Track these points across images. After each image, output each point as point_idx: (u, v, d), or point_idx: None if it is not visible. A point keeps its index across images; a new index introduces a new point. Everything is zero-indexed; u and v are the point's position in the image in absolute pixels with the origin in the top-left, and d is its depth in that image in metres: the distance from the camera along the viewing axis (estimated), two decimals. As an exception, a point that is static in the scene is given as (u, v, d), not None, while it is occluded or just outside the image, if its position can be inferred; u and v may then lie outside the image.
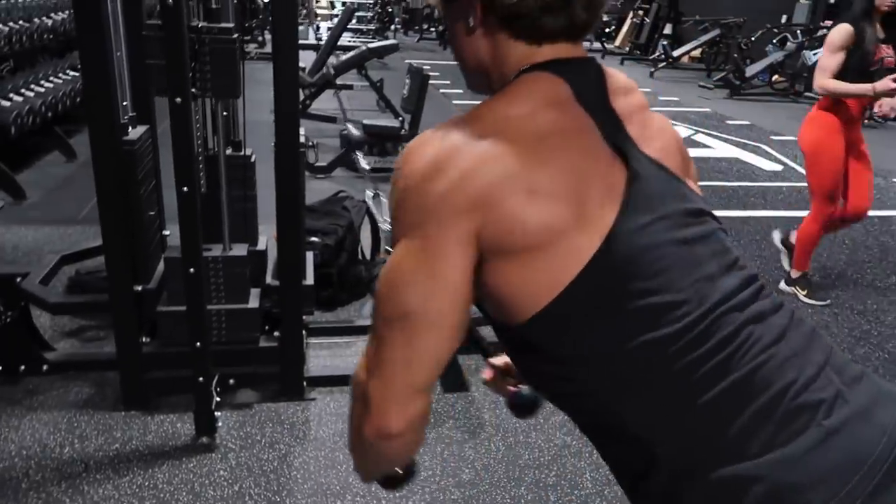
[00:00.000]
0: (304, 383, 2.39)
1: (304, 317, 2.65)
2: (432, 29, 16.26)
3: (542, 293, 0.75)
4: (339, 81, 6.40)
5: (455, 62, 0.90)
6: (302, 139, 2.18)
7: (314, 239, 2.85)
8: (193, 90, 1.96)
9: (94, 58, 1.76)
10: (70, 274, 2.77)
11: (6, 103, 4.03)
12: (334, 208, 3.09)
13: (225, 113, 2.44)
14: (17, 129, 4.00)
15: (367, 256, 3.25)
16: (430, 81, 5.19)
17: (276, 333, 2.31)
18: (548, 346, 0.78)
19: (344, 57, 6.13)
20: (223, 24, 2.11)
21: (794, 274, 3.45)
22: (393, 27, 16.26)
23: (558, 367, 0.79)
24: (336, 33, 6.85)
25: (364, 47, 5.96)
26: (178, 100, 1.73)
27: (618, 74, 0.88)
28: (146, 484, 1.96)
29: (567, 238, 0.74)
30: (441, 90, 7.95)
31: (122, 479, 1.98)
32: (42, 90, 4.47)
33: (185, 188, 1.75)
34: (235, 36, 2.06)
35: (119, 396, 2.26)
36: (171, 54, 1.70)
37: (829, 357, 0.80)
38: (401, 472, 0.93)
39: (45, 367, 2.36)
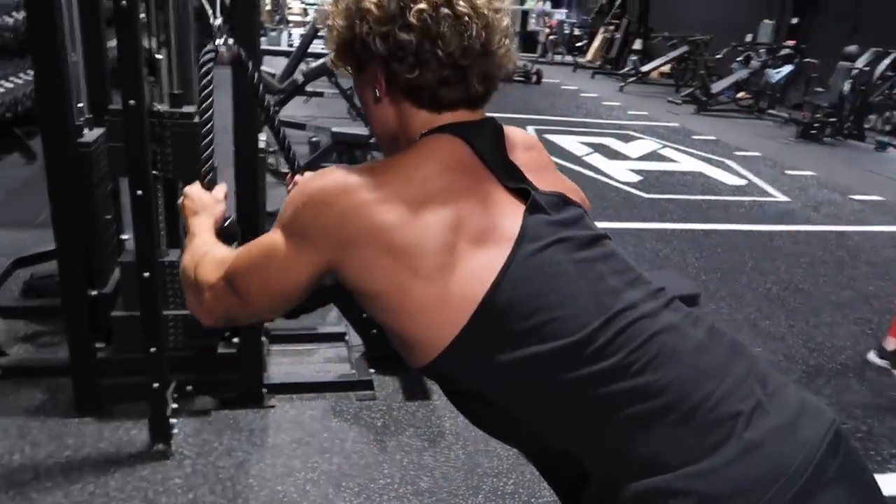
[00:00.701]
0: (264, 390, 2.37)
1: (265, 324, 2.64)
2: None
3: (440, 336, 0.80)
4: (309, 88, 6.39)
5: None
6: (262, 145, 2.17)
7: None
8: (155, 172, 1.98)
9: (47, 58, 1.74)
10: (25, 278, 2.71)
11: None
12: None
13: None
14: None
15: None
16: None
17: (235, 340, 2.29)
18: (458, 378, 0.83)
19: (314, 64, 6.11)
20: (185, 110, 2.08)
21: (891, 344, 3.04)
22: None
23: (474, 395, 0.83)
24: (307, 40, 6.80)
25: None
26: (133, 102, 1.71)
27: (516, 132, 0.97)
28: (98, 492, 1.92)
29: (445, 283, 0.81)
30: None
31: (73, 486, 1.94)
32: (1, 90, 4.39)
33: (139, 192, 1.73)
34: (196, 121, 2.05)
35: (72, 403, 2.22)
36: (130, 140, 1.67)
37: (752, 368, 0.82)
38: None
39: (-4, 373, 2.31)
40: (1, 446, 2.06)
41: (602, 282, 0.84)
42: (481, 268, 0.81)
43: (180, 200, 1.22)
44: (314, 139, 5.15)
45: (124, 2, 1.60)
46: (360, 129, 4.97)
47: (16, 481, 1.94)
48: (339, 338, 2.78)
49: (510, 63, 0.92)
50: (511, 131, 0.97)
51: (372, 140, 4.85)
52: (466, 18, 0.84)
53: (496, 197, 0.87)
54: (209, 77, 1.33)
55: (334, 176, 0.85)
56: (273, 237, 0.87)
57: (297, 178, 1.16)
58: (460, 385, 0.84)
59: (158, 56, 2.20)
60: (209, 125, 1.33)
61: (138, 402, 2.10)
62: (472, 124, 0.92)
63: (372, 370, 2.57)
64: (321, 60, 5.96)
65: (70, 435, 2.13)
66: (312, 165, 4.92)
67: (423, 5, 0.83)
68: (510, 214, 0.86)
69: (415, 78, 0.86)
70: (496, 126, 0.95)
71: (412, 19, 0.83)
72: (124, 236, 2.53)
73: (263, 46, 10.40)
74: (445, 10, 0.84)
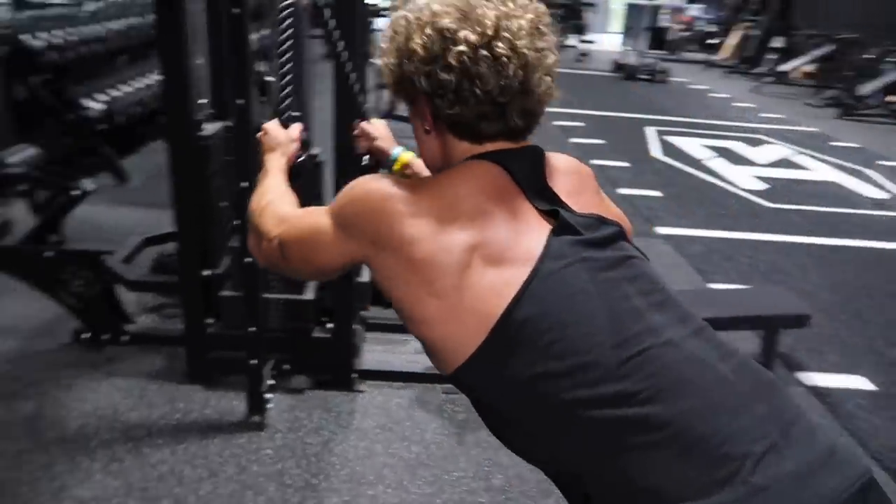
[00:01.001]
0: (356, 375, 2.50)
1: (362, 312, 2.77)
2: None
3: (462, 347, 0.84)
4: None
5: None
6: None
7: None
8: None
9: (173, 59, 1.92)
10: (153, 255, 3.00)
11: (118, 93, 4.38)
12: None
13: (298, 113, 2.57)
14: (126, 118, 4.33)
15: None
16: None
17: (330, 326, 2.43)
18: (478, 389, 0.87)
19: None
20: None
21: None
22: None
23: (492, 408, 0.87)
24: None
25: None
26: (241, 101, 1.86)
27: (559, 158, 1.01)
28: (199, 453, 2.11)
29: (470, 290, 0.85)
30: (556, 122, 7.69)
31: (179, 445, 2.14)
32: (151, 82, 4.82)
33: (243, 183, 1.88)
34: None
35: (185, 371, 2.45)
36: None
37: (776, 409, 0.80)
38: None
39: (125, 338, 2.58)
40: (123, 404, 2.31)
41: (626, 301, 0.85)
42: (501, 284, 0.84)
43: (259, 135, 1.33)
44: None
45: (236, 10, 1.75)
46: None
47: (131, 436, 2.17)
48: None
49: (551, 98, 0.96)
50: (553, 157, 1.00)
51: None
52: (504, 59, 0.88)
53: (526, 218, 0.90)
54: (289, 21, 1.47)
55: (382, 183, 0.92)
56: (323, 220, 0.97)
57: (363, 124, 1.40)
58: (481, 397, 0.88)
59: (269, 79, 2.36)
60: (288, 66, 1.46)
61: (240, 375, 2.29)
62: (512, 151, 0.95)
63: (459, 364, 2.63)
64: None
65: (181, 399, 2.35)
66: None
67: (462, 47, 0.88)
68: (537, 235, 0.88)
69: (455, 114, 0.92)
70: (537, 152, 0.98)
71: (452, 60, 0.88)
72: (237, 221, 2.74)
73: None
74: (484, 52, 0.88)
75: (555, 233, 0.88)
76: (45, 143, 4.33)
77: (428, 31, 0.90)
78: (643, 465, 0.76)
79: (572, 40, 13.49)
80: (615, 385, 0.78)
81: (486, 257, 0.85)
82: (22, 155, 2.60)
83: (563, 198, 0.94)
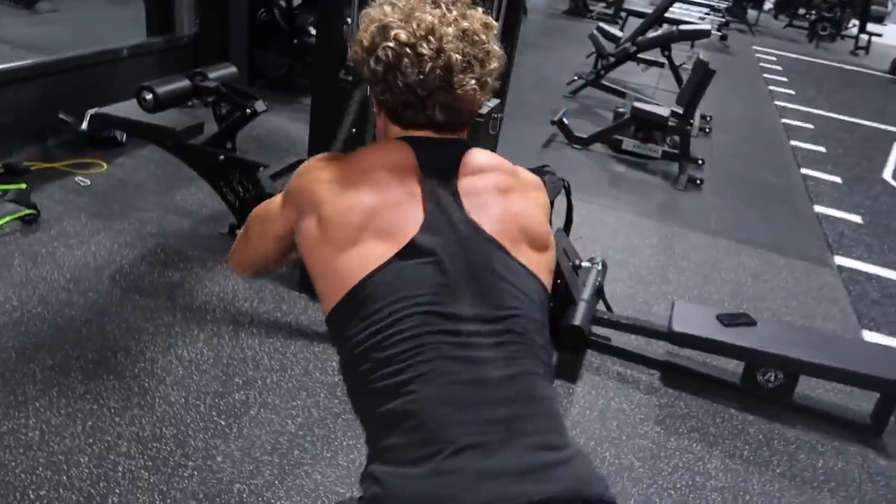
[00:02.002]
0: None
1: None
2: (809, 15, 14.43)
3: (329, 301, 0.99)
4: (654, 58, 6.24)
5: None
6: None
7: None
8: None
9: (328, 14, 2.20)
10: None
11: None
12: (528, 179, 3.26)
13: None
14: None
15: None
16: (768, 78, 4.64)
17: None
18: (336, 345, 1.02)
19: (651, 34, 6.00)
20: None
21: None
22: (765, 5, 14.85)
23: (341, 366, 1.02)
24: (664, 4, 6.58)
25: (674, 28, 5.77)
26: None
27: (488, 156, 1.10)
28: (280, 349, 2.48)
29: (358, 252, 0.98)
30: (784, 119, 6.92)
31: (267, 339, 2.53)
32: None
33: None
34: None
35: (298, 281, 2.83)
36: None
37: (515, 420, 0.89)
38: None
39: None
40: (241, 295, 2.74)
41: (449, 304, 0.94)
42: (368, 258, 0.97)
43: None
44: (620, 109, 5.16)
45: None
46: (662, 109, 4.84)
47: (236, 321, 2.59)
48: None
49: (475, 100, 1.05)
50: (480, 154, 1.09)
51: (671, 123, 4.71)
52: (426, 58, 1.00)
53: (413, 203, 1.01)
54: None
55: (316, 157, 1.09)
56: (276, 199, 1.16)
57: None
58: (337, 352, 1.03)
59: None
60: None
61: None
62: (431, 140, 1.08)
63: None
64: (657, 32, 5.83)
65: (286, 302, 2.74)
66: (605, 135, 4.97)
67: (391, 43, 1.01)
68: (414, 221, 0.99)
69: (384, 100, 1.06)
70: (459, 146, 1.09)
71: (380, 54, 1.01)
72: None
73: (627, 6, 10.33)
74: (408, 50, 1.00)
75: (424, 227, 0.98)
76: (272, 58, 4.97)
77: (373, 27, 1.04)
78: (389, 428, 0.90)
79: (854, 29, 11.88)
80: (392, 365, 0.92)
81: (376, 228, 0.98)
82: (220, 72, 3.09)
83: (462, 195, 1.03)
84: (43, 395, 2.11)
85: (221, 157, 2.96)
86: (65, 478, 1.86)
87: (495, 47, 1.06)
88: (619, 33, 6.80)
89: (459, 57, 1.01)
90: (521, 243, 1.04)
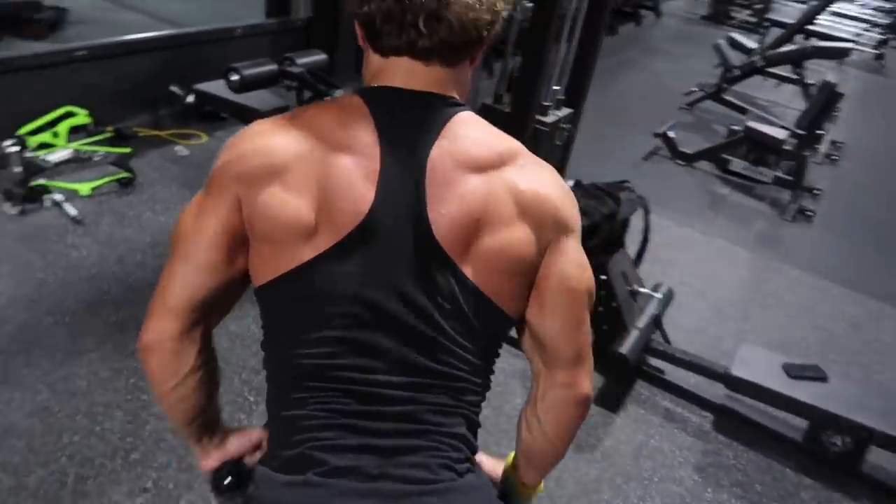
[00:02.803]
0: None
1: None
2: None
3: (259, 277, 0.90)
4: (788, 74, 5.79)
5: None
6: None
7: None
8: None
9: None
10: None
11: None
12: (601, 193, 3.12)
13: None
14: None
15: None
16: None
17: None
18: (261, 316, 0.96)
19: (784, 48, 5.57)
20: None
21: None
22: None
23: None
24: (808, 14, 6.07)
25: (808, 44, 5.33)
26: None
27: (470, 130, 0.88)
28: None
29: (293, 242, 0.85)
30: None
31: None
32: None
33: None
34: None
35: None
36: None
37: (399, 449, 0.87)
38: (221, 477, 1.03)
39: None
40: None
41: (373, 308, 0.86)
42: (292, 256, 0.85)
43: None
44: (734, 127, 4.84)
45: None
46: (777, 131, 4.50)
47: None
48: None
49: (463, 11, 0.82)
50: (470, 121, 0.89)
51: (786, 147, 4.38)
52: None
53: (357, 188, 0.84)
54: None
55: (250, 127, 0.91)
56: (192, 201, 0.91)
57: None
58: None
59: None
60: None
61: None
62: (402, 93, 0.87)
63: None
64: (791, 47, 5.39)
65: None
66: (713, 152, 4.70)
67: None
68: (354, 212, 0.84)
69: (363, 13, 0.85)
70: (440, 105, 0.88)
71: None
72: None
73: (772, 15, 9.63)
74: None
75: (362, 225, 0.84)
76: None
77: None
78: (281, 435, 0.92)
79: None
80: (294, 358, 0.90)
81: (303, 223, 0.84)
82: (309, 59, 3.18)
83: (429, 176, 0.84)
84: (99, 348, 2.26)
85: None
86: (98, 428, 1.99)
87: None
88: (753, 45, 6.37)
89: None
90: (474, 251, 0.87)
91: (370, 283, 0.86)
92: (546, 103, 2.48)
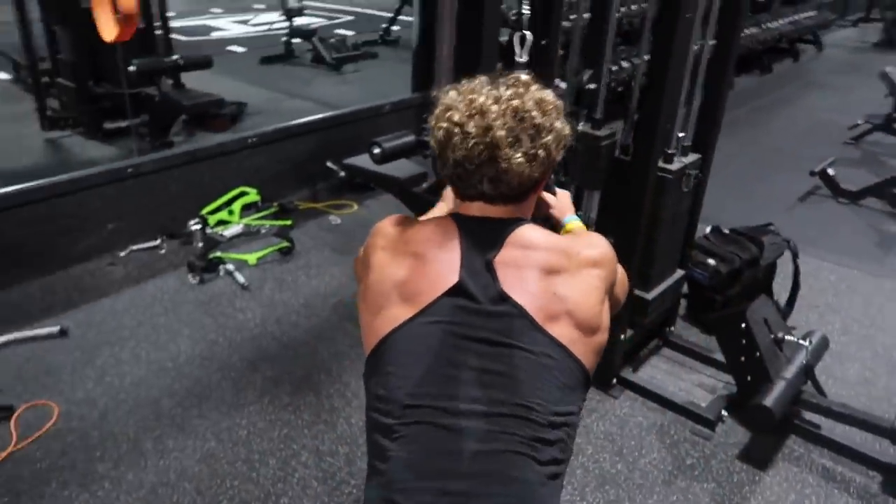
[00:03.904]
0: (615, 381, 2.62)
1: (669, 328, 2.84)
2: None
3: (365, 349, 1.11)
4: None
5: None
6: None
7: (710, 261, 2.88)
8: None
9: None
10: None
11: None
12: (743, 238, 2.98)
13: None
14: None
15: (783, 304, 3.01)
16: None
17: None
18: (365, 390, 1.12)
19: None
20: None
21: None
22: None
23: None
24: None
25: None
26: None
27: (533, 232, 1.13)
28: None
29: (389, 311, 1.08)
30: None
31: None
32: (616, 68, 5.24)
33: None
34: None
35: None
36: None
37: (472, 496, 0.94)
38: None
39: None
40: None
41: (453, 368, 1.00)
42: (392, 318, 1.07)
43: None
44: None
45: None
46: None
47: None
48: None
49: (523, 173, 1.10)
50: (531, 230, 1.14)
51: None
52: (472, 135, 1.08)
53: (447, 272, 1.07)
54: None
55: (386, 220, 1.22)
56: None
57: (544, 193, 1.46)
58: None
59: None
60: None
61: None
62: (480, 219, 1.14)
63: (725, 413, 2.49)
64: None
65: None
66: (882, 188, 4.31)
67: (444, 123, 1.11)
68: (440, 289, 1.06)
69: (445, 174, 1.16)
70: (509, 223, 1.13)
71: (437, 133, 1.12)
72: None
73: None
74: (457, 129, 1.09)
75: (449, 293, 1.05)
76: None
77: (439, 109, 1.15)
78: (370, 479, 1.02)
79: None
80: (388, 420, 1.01)
81: (403, 293, 1.08)
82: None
83: (499, 268, 1.08)
84: (258, 401, 2.52)
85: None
86: (254, 474, 2.21)
87: (549, 122, 1.11)
88: None
89: (504, 133, 1.07)
90: (559, 320, 1.06)
91: (458, 334, 1.06)
92: (670, 151, 2.46)
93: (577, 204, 2.67)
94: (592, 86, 2.42)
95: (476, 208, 1.15)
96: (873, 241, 3.97)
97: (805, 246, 3.15)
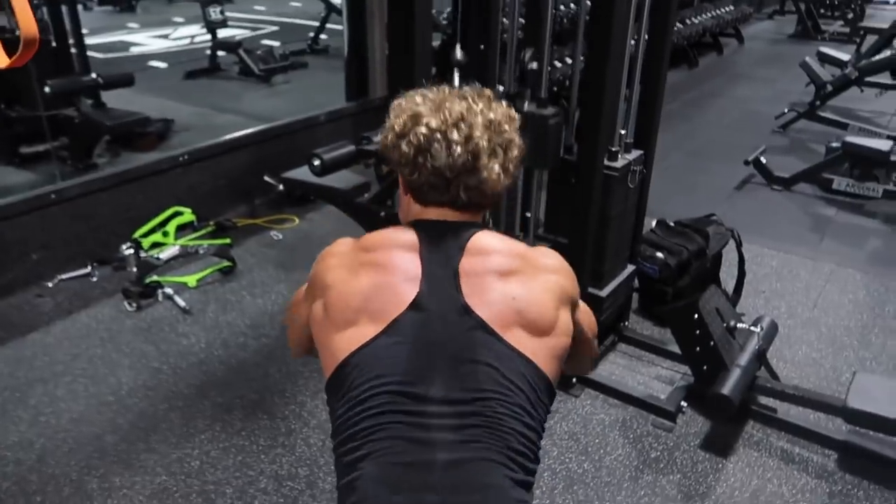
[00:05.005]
0: (574, 379, 2.61)
1: (622, 322, 2.84)
2: None
3: (326, 372, 1.06)
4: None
5: None
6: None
7: (659, 255, 2.90)
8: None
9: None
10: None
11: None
12: (688, 230, 3.02)
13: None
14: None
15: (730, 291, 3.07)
16: None
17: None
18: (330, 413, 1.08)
19: (876, 57, 5.26)
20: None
21: None
22: None
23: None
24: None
25: (903, 48, 5.01)
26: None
27: (489, 238, 1.11)
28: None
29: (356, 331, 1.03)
30: None
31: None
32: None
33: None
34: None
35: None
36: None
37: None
38: None
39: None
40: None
41: (421, 385, 0.97)
42: (358, 337, 1.02)
43: None
44: (833, 144, 4.58)
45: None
46: (880, 142, 4.23)
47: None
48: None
49: (498, 183, 1.10)
50: (488, 236, 1.11)
51: (893, 157, 4.11)
52: (455, 143, 1.06)
53: (408, 285, 1.04)
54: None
55: (335, 243, 1.17)
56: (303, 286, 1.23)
57: None
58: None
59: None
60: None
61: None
62: (440, 223, 1.12)
63: (685, 404, 2.51)
64: (886, 54, 5.09)
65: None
66: (812, 174, 4.47)
67: (422, 129, 1.07)
68: (402, 304, 1.02)
69: (412, 180, 1.12)
70: (469, 227, 1.11)
71: (412, 138, 1.07)
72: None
73: (867, 23, 9.13)
74: (438, 136, 1.06)
75: (412, 307, 1.02)
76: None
77: (405, 115, 1.10)
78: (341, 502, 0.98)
79: None
80: (356, 439, 0.99)
81: (369, 309, 1.04)
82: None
83: (462, 276, 1.05)
84: (209, 429, 2.40)
85: (382, 213, 3.17)
86: (210, 507, 2.10)
87: (517, 138, 1.13)
88: (845, 56, 6.08)
89: (486, 144, 1.08)
90: (514, 327, 1.03)
91: (422, 352, 1.03)
92: (613, 148, 2.47)
93: (525, 203, 2.65)
94: (535, 65, 2.40)
95: (434, 213, 1.13)
96: (808, 226, 4.10)
97: (746, 234, 3.21)
